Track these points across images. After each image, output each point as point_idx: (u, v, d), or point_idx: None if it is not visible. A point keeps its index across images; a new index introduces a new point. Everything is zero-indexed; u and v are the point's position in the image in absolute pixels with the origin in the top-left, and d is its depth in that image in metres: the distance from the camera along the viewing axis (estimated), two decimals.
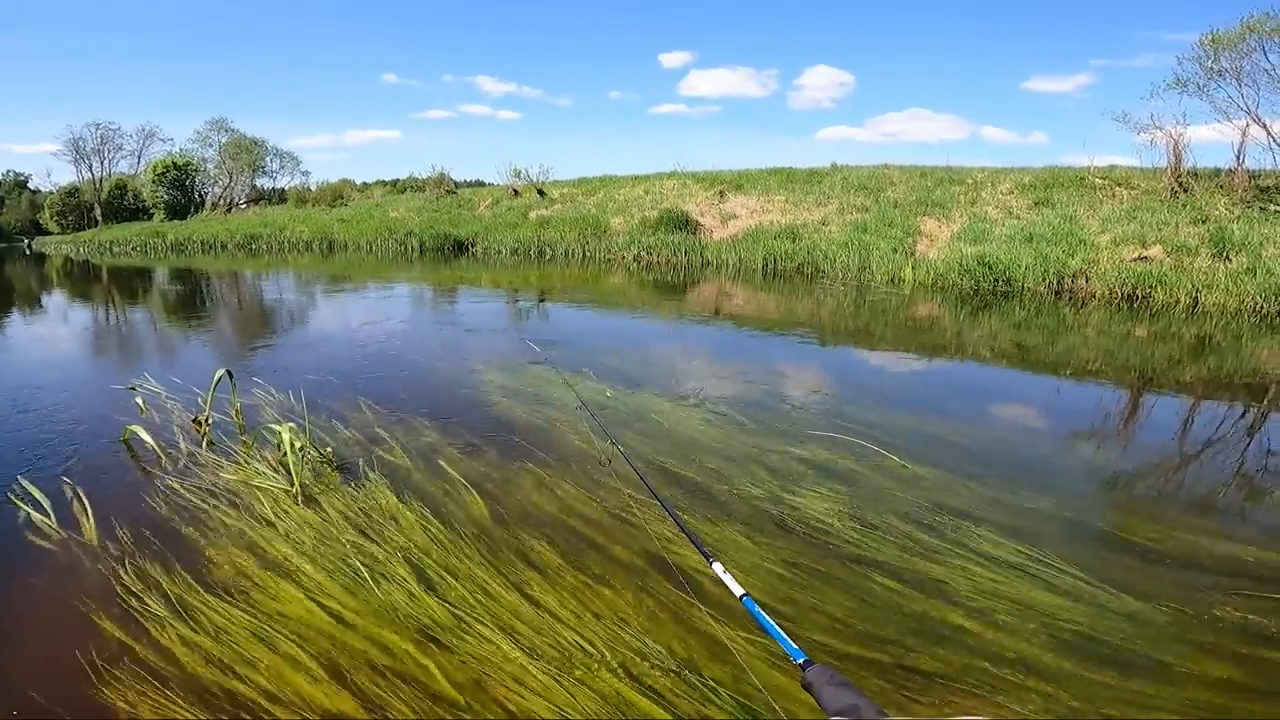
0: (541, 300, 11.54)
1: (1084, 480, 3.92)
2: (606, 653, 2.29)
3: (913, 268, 12.82)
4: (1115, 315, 9.63)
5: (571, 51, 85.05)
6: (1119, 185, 14.64)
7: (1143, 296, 10.55)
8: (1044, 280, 11.40)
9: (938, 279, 12.36)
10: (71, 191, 40.42)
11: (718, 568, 1.09)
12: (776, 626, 0.86)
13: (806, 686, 0.65)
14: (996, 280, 11.76)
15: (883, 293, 11.67)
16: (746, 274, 14.69)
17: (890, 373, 6.71)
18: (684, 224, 17.94)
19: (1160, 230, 11.95)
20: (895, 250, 13.77)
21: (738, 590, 1.00)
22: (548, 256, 18.70)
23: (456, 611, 2.51)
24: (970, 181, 16.86)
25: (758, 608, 0.92)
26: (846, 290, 12.02)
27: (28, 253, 30.12)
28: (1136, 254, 11.50)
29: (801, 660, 0.73)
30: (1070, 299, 10.87)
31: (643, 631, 2.40)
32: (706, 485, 3.64)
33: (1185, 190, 13.43)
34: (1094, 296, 10.89)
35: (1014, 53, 70.83)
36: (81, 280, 17.91)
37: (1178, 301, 10.18)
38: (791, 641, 0.81)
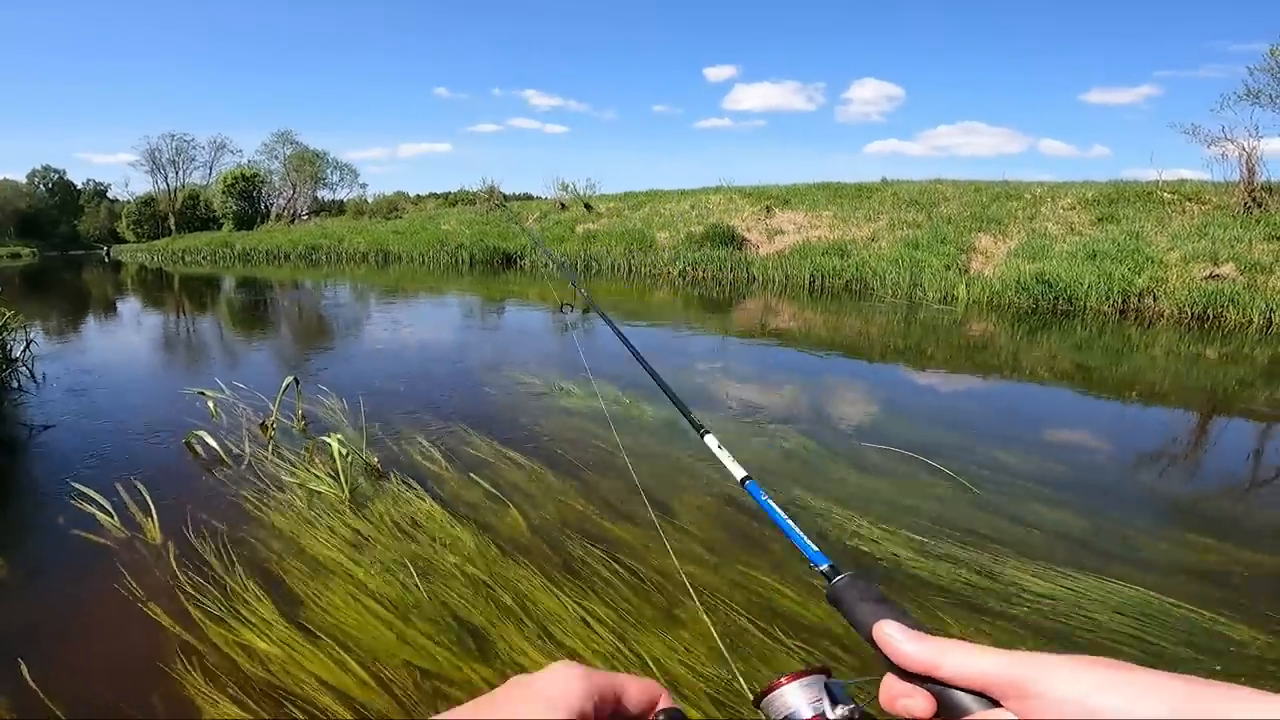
0: (586, 313, 11.64)
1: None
2: (646, 657, 2.28)
3: (967, 285, 12.49)
4: (1184, 336, 9.21)
5: (616, 65, 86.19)
6: (1189, 200, 14.03)
7: (1214, 316, 10.06)
8: (1108, 299, 10.97)
9: (993, 297, 12.02)
10: (147, 201, 42.66)
11: (710, 440, 0.84)
12: (794, 527, 0.58)
13: (834, 601, 0.45)
14: (1057, 299, 11.36)
15: (935, 310, 11.40)
16: (793, 290, 14.54)
17: (944, 393, 6.55)
18: (730, 239, 17.88)
19: (1233, 247, 11.40)
20: (948, 267, 13.45)
21: (739, 473, 0.71)
22: (594, 270, 18.86)
23: (499, 618, 2.54)
24: (1028, 196, 16.38)
25: (766, 498, 0.63)
26: (897, 308, 11.78)
27: (106, 260, 31.95)
28: (1208, 272, 10.98)
29: (826, 566, 0.50)
30: (1136, 318, 10.44)
31: (672, 641, 2.39)
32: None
33: (1259, 205, 12.79)
34: (1162, 316, 10.44)
35: (1072, 64, 68.99)
36: (155, 287, 18.85)
37: (1251, 322, 9.67)
38: (812, 545, 0.54)
